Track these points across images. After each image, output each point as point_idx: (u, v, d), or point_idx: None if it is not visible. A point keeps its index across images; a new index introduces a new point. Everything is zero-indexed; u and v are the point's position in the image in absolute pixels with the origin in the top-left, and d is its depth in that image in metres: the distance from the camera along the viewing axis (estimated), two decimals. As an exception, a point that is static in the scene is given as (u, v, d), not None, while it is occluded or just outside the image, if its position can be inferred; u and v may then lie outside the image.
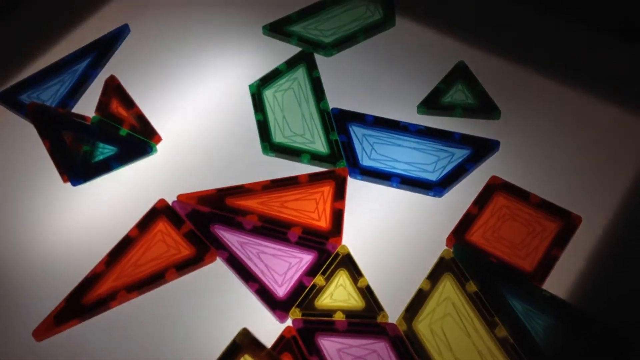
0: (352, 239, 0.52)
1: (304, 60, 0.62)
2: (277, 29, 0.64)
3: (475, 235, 0.50)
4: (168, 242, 0.53)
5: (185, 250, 0.52)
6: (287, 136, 0.57)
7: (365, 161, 0.55)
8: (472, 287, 0.48)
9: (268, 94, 0.60)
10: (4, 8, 0.67)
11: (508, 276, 0.47)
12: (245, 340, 0.44)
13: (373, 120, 0.57)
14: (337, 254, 0.51)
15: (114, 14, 0.68)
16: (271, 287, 0.49)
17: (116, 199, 0.55)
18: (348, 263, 0.50)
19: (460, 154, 0.55)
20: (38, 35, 0.66)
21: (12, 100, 0.61)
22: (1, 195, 0.55)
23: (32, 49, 0.65)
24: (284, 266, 0.51)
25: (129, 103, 0.59)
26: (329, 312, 0.48)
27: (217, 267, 0.52)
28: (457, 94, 0.58)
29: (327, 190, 0.54)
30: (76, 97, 0.61)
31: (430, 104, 0.58)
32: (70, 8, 0.68)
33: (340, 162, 0.55)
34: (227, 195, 0.54)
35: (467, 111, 0.57)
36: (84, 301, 0.50)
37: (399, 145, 0.56)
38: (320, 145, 0.56)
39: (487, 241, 0.50)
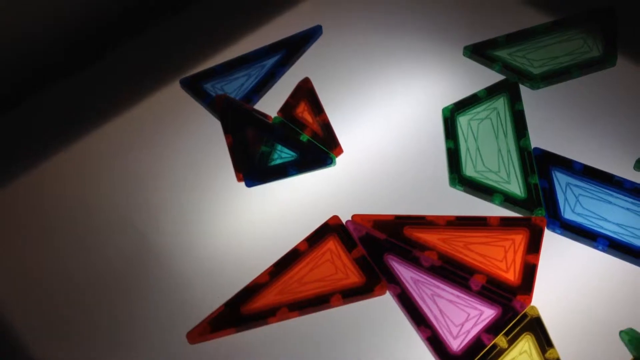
0: (543, 301, 0.45)
1: (507, 90, 0.56)
2: (480, 52, 0.59)
3: None
4: (337, 264, 0.49)
5: (354, 276, 0.48)
6: (479, 171, 0.52)
7: (567, 214, 0.48)
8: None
9: (462, 121, 0.55)
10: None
11: None
12: None
13: (582, 169, 0.50)
14: (525, 315, 0.44)
15: (306, 13, 0.65)
16: (445, 338, 0.44)
17: (287, 207, 0.52)
18: (536, 328, 0.44)
19: (684, 223, 0.47)
20: (227, 26, 0.64)
21: (197, 88, 0.60)
22: (173, 182, 0.53)
23: (219, 40, 0.64)
24: (461, 316, 0.45)
25: (317, 109, 0.56)
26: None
27: (386, 302, 0.47)
28: (685, 155, 0.50)
29: (520, 239, 0.48)
30: (261, 93, 0.59)
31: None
32: (263, 2, 0.66)
33: (538, 210, 0.49)
34: (406, 225, 0.49)
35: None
36: (243, 310, 0.47)
37: (610, 203, 0.49)
38: (516, 187, 0.50)
39: None
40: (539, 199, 0.50)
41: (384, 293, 0.47)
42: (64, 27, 0.59)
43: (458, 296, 0.46)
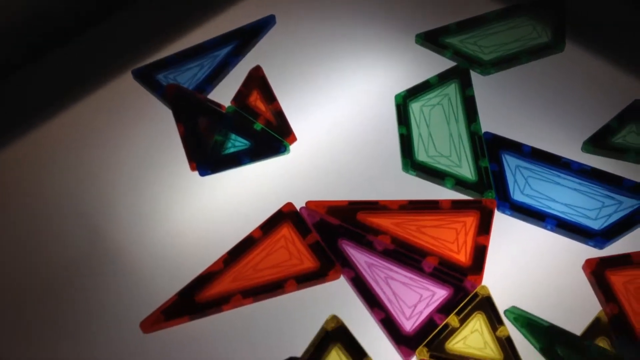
0: (493, 281, 0.46)
1: (458, 76, 0.57)
2: (432, 39, 0.59)
3: None
4: (291, 250, 0.49)
5: (308, 262, 0.48)
6: (431, 155, 0.52)
7: (517, 196, 0.49)
8: None
9: (415, 107, 0.55)
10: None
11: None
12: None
13: (530, 152, 0.51)
14: (476, 295, 0.45)
15: (259, 2, 0.65)
16: (398, 319, 0.44)
17: (241, 195, 0.52)
18: (487, 307, 0.45)
19: (629, 203, 0.48)
20: (178, 16, 0.64)
21: (149, 78, 0.59)
22: (125, 172, 0.52)
23: (171, 30, 0.63)
24: (414, 298, 0.46)
25: (270, 97, 0.56)
26: (460, 359, 0.43)
27: (339, 286, 0.47)
28: (630, 136, 0.51)
29: (471, 221, 0.49)
30: (214, 83, 0.59)
31: (598, 142, 0.51)
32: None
33: (488, 193, 0.49)
34: (360, 210, 0.49)
35: (641, 157, 0.50)
36: (197, 299, 0.47)
37: (558, 184, 0.50)
38: (467, 171, 0.51)
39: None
40: (489, 182, 0.50)
41: (338, 277, 0.48)
42: (12, 19, 0.58)
43: (411, 278, 0.47)
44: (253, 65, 0.59)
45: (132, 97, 0.59)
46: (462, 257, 0.47)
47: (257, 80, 0.57)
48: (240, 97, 0.57)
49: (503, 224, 0.49)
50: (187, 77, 0.60)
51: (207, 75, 0.60)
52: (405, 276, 0.47)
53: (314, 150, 0.54)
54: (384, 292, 0.46)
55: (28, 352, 0.45)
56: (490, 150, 0.52)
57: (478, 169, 0.51)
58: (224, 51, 0.62)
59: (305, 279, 0.47)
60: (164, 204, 0.51)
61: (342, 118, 0.56)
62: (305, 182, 0.52)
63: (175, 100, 0.56)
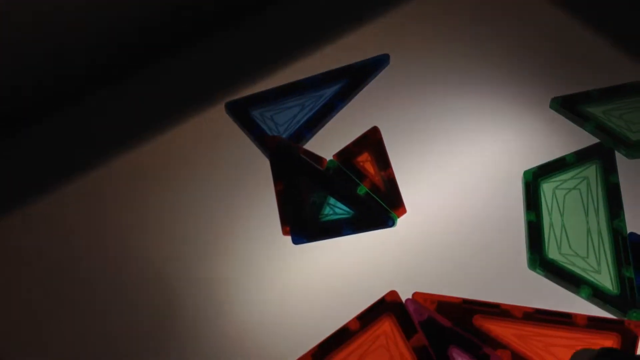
0: None
1: (601, 157, 0.48)
2: (571, 106, 0.51)
3: None
4: (393, 352, 0.42)
5: (411, 370, 0.41)
6: (565, 254, 0.44)
7: (669, 322, 0.41)
8: None
9: (547, 189, 0.47)
10: (251, 10, 0.59)
11: None
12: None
13: (689, 267, 0.42)
14: None
15: (371, 37, 0.57)
16: None
17: (338, 273, 0.45)
18: None
19: None
20: (279, 44, 0.57)
21: (243, 114, 0.53)
22: (205, 225, 0.46)
23: (273, 60, 0.56)
24: None
25: (383, 163, 0.49)
26: None
27: (446, 405, 0.40)
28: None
29: (610, 345, 0.40)
30: (314, 129, 0.51)
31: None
32: (325, 18, 0.59)
33: (633, 313, 0.41)
34: (476, 313, 0.42)
35: None
36: (279, 398, 0.40)
37: None
38: (606, 279, 0.43)
39: None
40: (634, 298, 0.42)
41: (445, 393, 0.40)
42: (105, 35, 0.52)
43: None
44: (360, 111, 0.52)
45: (223, 133, 0.52)
46: (598, 393, 0.39)
47: (372, 143, 0.50)
48: (347, 154, 0.49)
49: (650, 355, 0.41)
50: (286, 118, 0.53)
51: (309, 119, 0.53)
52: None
53: (425, 228, 0.47)
54: None
55: None
56: (636, 256, 0.44)
57: (621, 279, 0.43)
58: (329, 91, 0.55)
59: (407, 391, 0.40)
60: (247, 273, 0.45)
61: (461, 193, 0.48)
62: (411, 266, 0.45)
63: (277, 154, 0.49)
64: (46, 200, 0.49)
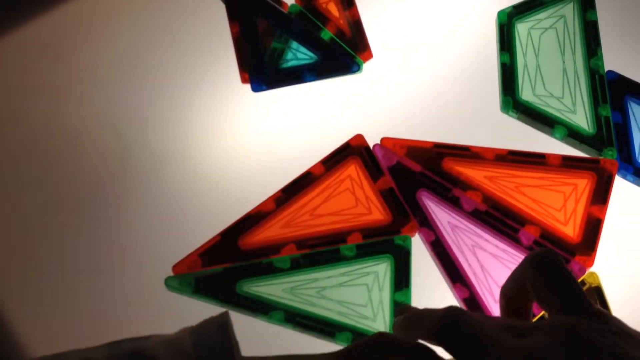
0: (605, 265, 0.37)
1: (579, -6, 0.45)
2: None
3: None
4: (358, 195, 0.40)
5: (378, 213, 0.39)
6: (539, 95, 0.42)
7: (645, 159, 0.39)
8: None
9: (521, 29, 0.44)
10: None
11: None
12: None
13: (667, 102, 0.41)
14: (583, 282, 0.36)
15: None
16: (485, 301, 0.36)
17: (301, 120, 0.42)
18: (594, 296, 0.36)
19: None
20: None
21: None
22: (162, 75, 0.42)
23: None
24: (506, 276, 0.37)
25: (347, 1, 0.45)
26: None
27: (414, 246, 0.38)
28: None
29: (584, 185, 0.39)
30: (276, -30, 0.47)
31: None
32: None
33: (608, 151, 0.40)
34: (447, 156, 0.40)
35: None
36: (241, 244, 0.38)
37: (699, 149, 0.39)
38: (582, 119, 0.41)
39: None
40: (610, 137, 0.40)
41: (412, 235, 0.39)
42: None
43: (504, 250, 0.38)
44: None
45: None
46: (570, 230, 0.38)
47: (334, -22, 0.46)
48: (309, -4, 0.46)
49: (623, 192, 0.40)
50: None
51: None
52: (497, 247, 0.38)
53: (393, 73, 0.44)
54: (470, 265, 0.37)
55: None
56: (613, 94, 0.42)
57: (597, 118, 0.41)
58: None
59: (374, 234, 0.39)
60: (207, 121, 0.42)
61: (432, 36, 0.45)
62: (380, 112, 0.43)
63: (231, -7, 0.45)
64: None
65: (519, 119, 0.42)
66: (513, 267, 0.36)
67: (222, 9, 0.45)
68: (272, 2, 0.45)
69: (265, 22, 0.44)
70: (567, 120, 0.41)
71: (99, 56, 0.44)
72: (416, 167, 0.40)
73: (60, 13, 0.45)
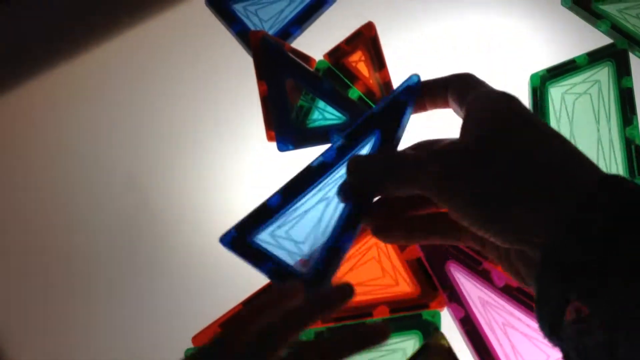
0: None
1: (614, 59, 0.44)
2: (584, 3, 0.46)
3: None
4: (385, 264, 0.39)
5: (405, 285, 0.38)
6: (573, 164, 0.40)
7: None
8: None
9: (555, 94, 0.43)
10: None
11: None
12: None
13: None
14: None
15: None
16: (516, 384, 0.35)
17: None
18: None
19: None
20: None
21: (225, 8, 0.47)
22: (185, 130, 0.42)
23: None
24: (539, 358, 0.35)
25: (378, 62, 0.44)
26: None
27: (442, 319, 0.37)
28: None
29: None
30: (304, 25, 0.46)
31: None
32: None
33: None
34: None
35: None
36: (264, 314, 0.37)
37: None
38: (617, 192, 0.39)
39: None
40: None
41: (441, 310, 0.38)
42: None
43: (536, 330, 0.37)
44: (353, 6, 0.47)
45: (202, 29, 0.47)
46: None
47: (367, 41, 0.45)
48: (338, 54, 0.45)
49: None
50: (272, 13, 0.48)
51: (297, 15, 0.48)
52: (529, 326, 0.37)
53: (423, 137, 0.43)
54: (501, 345, 0.36)
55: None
56: (649, 167, 0.41)
57: (632, 191, 0.40)
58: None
59: (401, 307, 0.38)
60: (229, 180, 0.42)
61: (463, 98, 0.44)
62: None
63: (260, 51, 0.44)
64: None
65: (551, 189, 0.41)
66: (545, 348, 0.34)
67: (250, 65, 0.44)
68: (299, 61, 0.44)
69: (292, 81, 0.44)
70: (602, 192, 0.40)
71: (123, 111, 0.43)
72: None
73: (91, 62, 0.44)
